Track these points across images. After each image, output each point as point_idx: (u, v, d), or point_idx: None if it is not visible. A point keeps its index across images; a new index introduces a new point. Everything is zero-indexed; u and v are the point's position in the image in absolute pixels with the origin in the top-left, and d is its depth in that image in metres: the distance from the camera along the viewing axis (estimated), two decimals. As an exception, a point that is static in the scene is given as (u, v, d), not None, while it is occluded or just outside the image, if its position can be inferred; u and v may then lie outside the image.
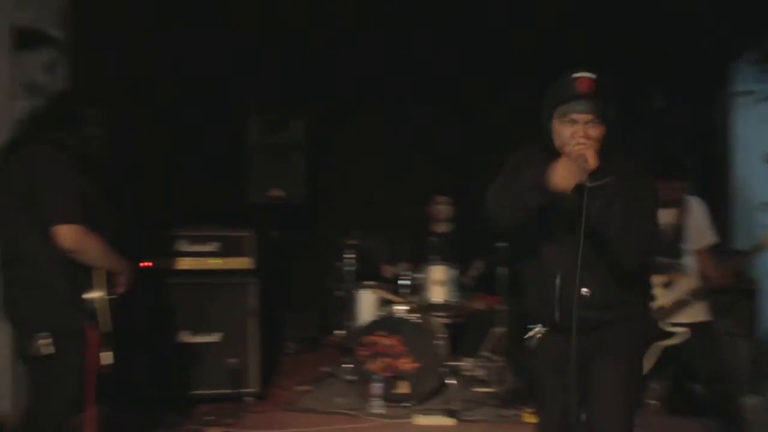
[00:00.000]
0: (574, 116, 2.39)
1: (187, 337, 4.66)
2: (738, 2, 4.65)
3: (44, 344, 2.79)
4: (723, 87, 6.01)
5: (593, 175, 2.27)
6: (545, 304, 2.52)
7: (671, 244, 4.00)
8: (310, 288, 6.50)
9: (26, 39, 3.71)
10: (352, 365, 4.94)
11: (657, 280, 3.91)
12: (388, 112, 6.51)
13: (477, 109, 6.44)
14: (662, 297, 3.94)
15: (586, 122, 2.37)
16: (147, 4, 4.94)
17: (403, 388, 4.83)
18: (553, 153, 2.42)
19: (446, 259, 5.22)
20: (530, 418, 4.50)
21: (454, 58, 5.93)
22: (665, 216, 4.01)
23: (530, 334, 2.67)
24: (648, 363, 4.04)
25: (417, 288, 5.18)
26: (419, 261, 5.26)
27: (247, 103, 5.91)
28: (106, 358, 2.97)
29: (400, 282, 5.26)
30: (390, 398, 4.78)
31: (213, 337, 4.69)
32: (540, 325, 2.64)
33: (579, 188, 2.27)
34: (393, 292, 5.43)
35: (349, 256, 5.38)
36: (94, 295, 2.89)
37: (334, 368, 5.48)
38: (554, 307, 2.49)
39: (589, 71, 2.41)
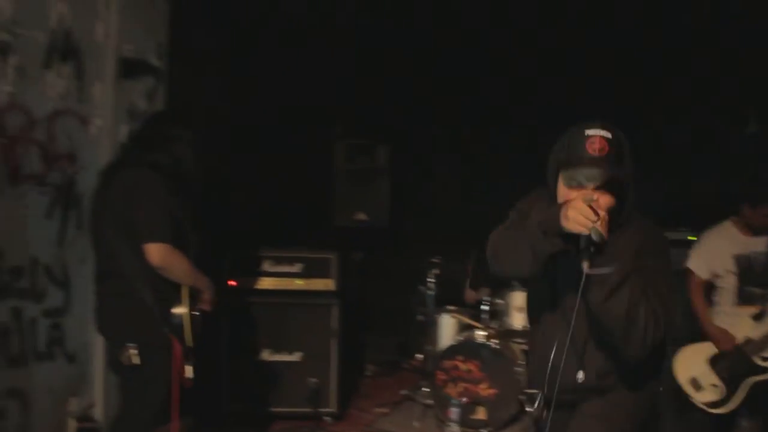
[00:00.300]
0: (583, 181, 2.09)
1: (269, 356, 4.79)
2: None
3: (133, 354, 2.96)
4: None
5: (597, 254, 1.96)
6: (538, 374, 2.34)
7: (763, 272, 3.82)
8: (391, 311, 6.54)
9: (130, 68, 3.96)
10: (430, 389, 4.95)
11: (747, 311, 3.79)
12: (467, 136, 6.55)
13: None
14: (752, 330, 3.77)
15: (595, 188, 2.07)
16: (241, 32, 5.17)
17: (480, 414, 4.79)
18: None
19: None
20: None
21: (531, 81, 5.89)
22: (757, 244, 3.86)
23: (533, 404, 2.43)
24: (737, 400, 3.88)
25: (497, 314, 5.14)
26: (501, 287, 5.22)
27: (334, 128, 6.07)
28: (189, 371, 3.12)
29: (481, 307, 5.23)
30: (467, 424, 4.76)
31: (294, 357, 4.81)
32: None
33: (579, 273, 1.99)
34: (474, 318, 5.41)
35: (431, 281, 5.40)
36: (180, 310, 3.04)
37: (413, 392, 5.50)
38: (544, 380, 2.23)
39: (603, 126, 2.11)
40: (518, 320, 5.01)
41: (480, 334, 5.03)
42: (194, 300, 3.12)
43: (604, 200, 2.07)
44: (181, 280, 3.04)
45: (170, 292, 3.04)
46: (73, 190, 3.70)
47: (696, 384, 3.94)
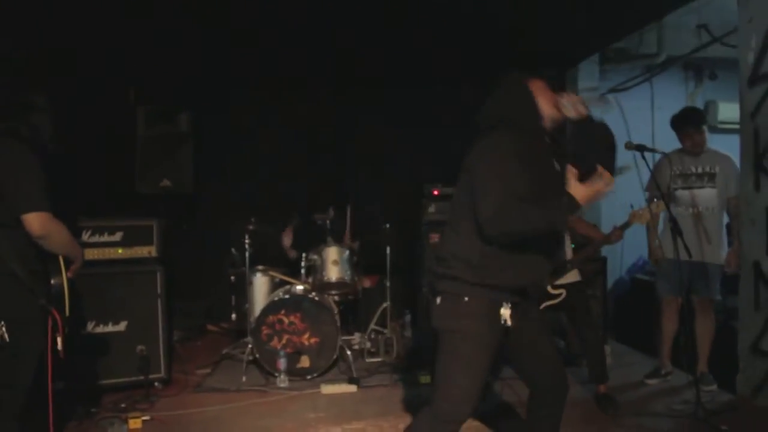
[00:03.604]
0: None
1: (94, 328, 4.68)
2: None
3: (2, 333, 2.85)
4: (572, 83, 6.94)
5: None
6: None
7: None
8: (198, 277, 6.60)
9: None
10: (254, 345, 5.17)
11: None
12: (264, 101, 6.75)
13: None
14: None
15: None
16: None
17: (305, 362, 5.17)
18: (539, 131, 2.83)
19: (337, 241, 5.59)
20: (425, 380, 5.04)
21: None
22: None
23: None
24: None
25: (314, 269, 5.50)
26: (318, 244, 5.56)
27: (134, 96, 5.90)
28: (60, 342, 3.07)
29: (302, 263, 5.54)
30: (294, 372, 5.12)
31: (120, 326, 4.75)
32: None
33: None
34: (289, 275, 5.73)
35: (247, 242, 5.55)
36: (58, 280, 2.99)
37: (232, 350, 5.71)
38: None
39: None
40: (333, 273, 5.41)
41: (299, 289, 5.38)
42: (67, 268, 3.06)
43: None
44: (59, 249, 2.98)
45: (42, 263, 2.97)
46: None
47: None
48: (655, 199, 4.39)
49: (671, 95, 7.37)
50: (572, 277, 4.53)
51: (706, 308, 4.89)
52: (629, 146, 4.03)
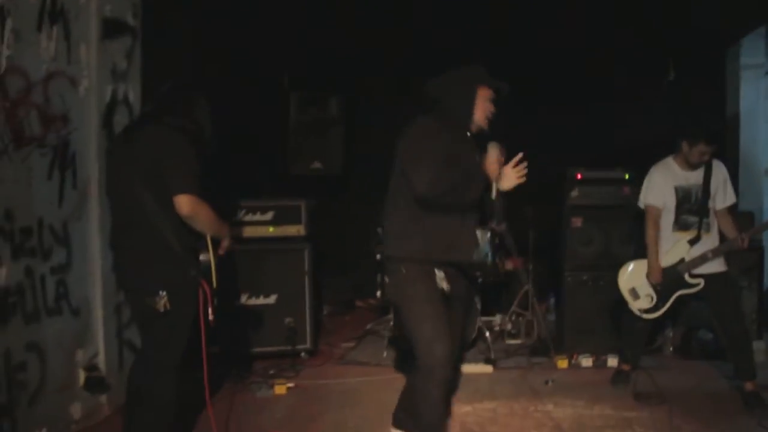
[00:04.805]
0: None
1: (247, 300, 5.08)
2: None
3: (165, 301, 3.18)
4: (733, 60, 6.48)
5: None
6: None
7: (697, 202, 4.38)
8: (346, 255, 6.89)
9: (110, 28, 4.04)
10: (392, 323, 5.35)
11: (684, 236, 4.38)
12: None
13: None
14: (687, 252, 4.36)
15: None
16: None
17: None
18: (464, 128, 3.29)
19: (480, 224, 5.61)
20: (562, 363, 4.99)
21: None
22: (693, 177, 4.42)
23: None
24: (664, 309, 4.50)
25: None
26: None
27: (285, 81, 6.24)
28: (211, 312, 3.37)
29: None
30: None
31: (270, 299, 5.12)
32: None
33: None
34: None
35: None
36: (206, 256, 3.29)
37: (375, 326, 5.94)
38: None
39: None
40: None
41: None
42: (215, 246, 3.36)
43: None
44: (207, 229, 3.27)
45: (194, 240, 3.28)
46: (67, 150, 3.82)
47: (634, 293, 4.53)
48: None
49: None
50: (715, 267, 4.30)
51: None
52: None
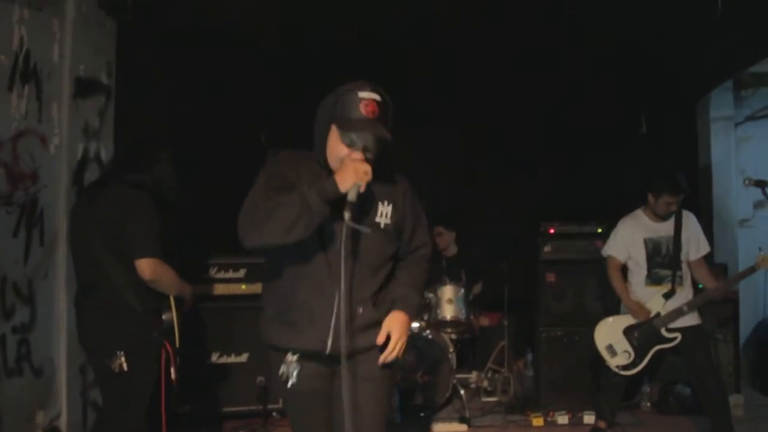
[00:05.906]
0: (355, 139, 2.32)
1: (218, 358, 5.00)
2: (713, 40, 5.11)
3: (123, 362, 3.14)
4: (703, 113, 6.63)
5: (362, 199, 2.32)
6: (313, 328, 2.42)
7: (667, 255, 4.41)
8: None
9: (83, 87, 4.08)
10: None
11: (658, 290, 4.38)
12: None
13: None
14: (662, 306, 4.34)
15: (365, 147, 2.33)
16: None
17: (418, 399, 5.22)
18: (321, 162, 2.42)
19: (453, 280, 5.61)
20: (537, 421, 4.93)
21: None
22: (662, 229, 4.45)
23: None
24: (643, 364, 4.47)
25: (428, 307, 5.56)
26: (430, 282, 5.62)
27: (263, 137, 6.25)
28: (173, 372, 3.33)
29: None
30: (406, 409, 5.17)
31: (242, 358, 5.05)
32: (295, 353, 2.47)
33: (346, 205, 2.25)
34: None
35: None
36: (169, 316, 3.27)
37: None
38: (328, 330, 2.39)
39: (373, 89, 2.34)
40: (448, 311, 5.43)
41: (414, 327, 5.44)
42: (179, 305, 3.34)
43: (371, 156, 2.36)
44: (169, 290, 3.26)
45: (156, 301, 3.26)
46: (35, 208, 3.81)
47: (611, 350, 4.51)
48: None
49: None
50: (689, 320, 4.31)
51: None
52: (749, 183, 3.81)
